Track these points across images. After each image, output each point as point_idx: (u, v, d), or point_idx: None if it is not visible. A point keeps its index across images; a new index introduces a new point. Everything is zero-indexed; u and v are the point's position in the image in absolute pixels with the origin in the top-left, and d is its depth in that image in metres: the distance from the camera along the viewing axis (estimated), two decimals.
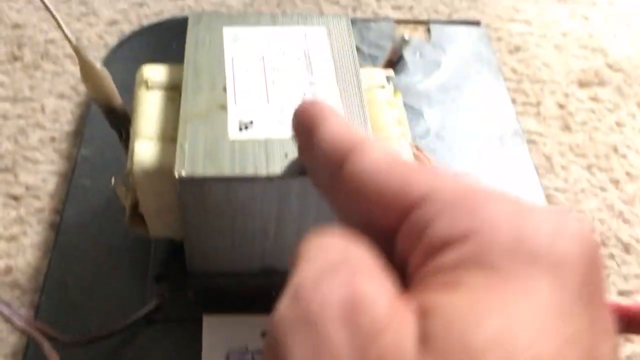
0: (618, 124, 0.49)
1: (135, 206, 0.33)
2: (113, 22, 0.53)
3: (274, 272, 0.33)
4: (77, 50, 0.32)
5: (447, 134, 0.46)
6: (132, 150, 0.31)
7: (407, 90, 0.48)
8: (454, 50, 0.52)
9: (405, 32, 0.53)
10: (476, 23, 0.55)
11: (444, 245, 0.16)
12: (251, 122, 0.30)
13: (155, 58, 0.35)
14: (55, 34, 0.51)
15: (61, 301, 0.36)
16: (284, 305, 0.16)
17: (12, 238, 0.40)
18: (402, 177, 0.19)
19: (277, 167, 0.28)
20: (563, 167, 0.46)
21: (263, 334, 0.34)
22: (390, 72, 0.36)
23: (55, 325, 0.34)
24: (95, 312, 0.35)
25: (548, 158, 0.46)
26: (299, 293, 0.16)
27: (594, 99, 0.50)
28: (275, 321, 0.16)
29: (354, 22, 0.47)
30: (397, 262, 0.18)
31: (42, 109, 0.46)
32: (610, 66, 0.53)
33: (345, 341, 0.15)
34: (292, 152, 0.29)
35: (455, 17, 0.56)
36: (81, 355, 0.33)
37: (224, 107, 0.31)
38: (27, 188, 0.42)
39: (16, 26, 0.52)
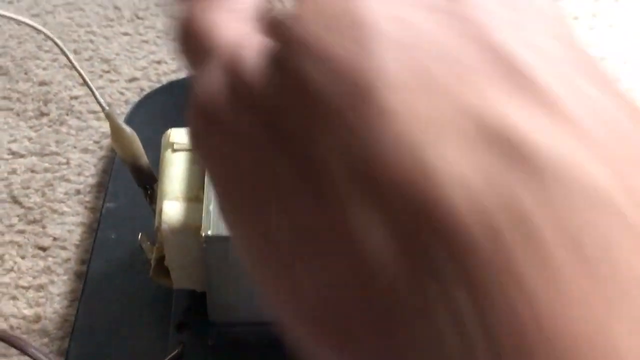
0: None
1: (160, 260, 0.35)
2: (133, 79, 0.56)
3: None
4: (109, 116, 0.35)
5: None
6: (161, 209, 0.33)
7: None
8: None
9: None
10: None
11: None
12: None
13: (176, 114, 0.38)
14: (79, 91, 0.54)
15: (89, 348, 0.38)
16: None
17: (40, 287, 0.42)
18: None
19: None
20: None
21: None
22: None
23: None
24: (120, 359, 0.37)
25: None
26: None
27: None
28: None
29: None
30: None
31: (68, 163, 0.49)
32: None
33: None
34: None
35: None
36: None
37: None
38: (55, 239, 0.45)
39: (42, 83, 0.55)
